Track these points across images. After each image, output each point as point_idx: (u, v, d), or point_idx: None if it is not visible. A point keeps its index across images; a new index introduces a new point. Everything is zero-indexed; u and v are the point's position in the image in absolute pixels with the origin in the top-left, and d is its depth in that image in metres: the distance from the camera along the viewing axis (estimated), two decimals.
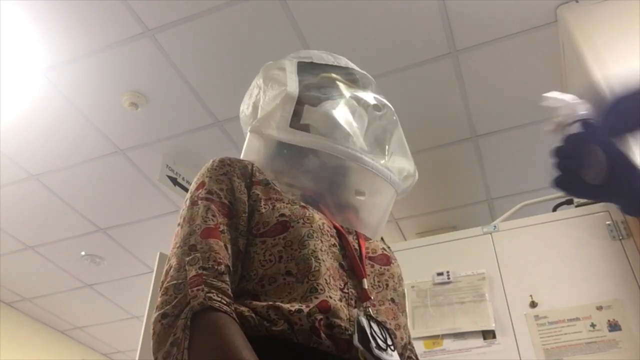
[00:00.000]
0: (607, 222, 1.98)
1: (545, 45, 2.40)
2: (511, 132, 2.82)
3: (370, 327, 0.80)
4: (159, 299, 0.75)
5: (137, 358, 2.34)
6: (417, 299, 2.09)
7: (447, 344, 1.95)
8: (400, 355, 0.86)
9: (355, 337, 0.77)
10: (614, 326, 1.79)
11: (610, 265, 1.90)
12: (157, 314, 0.73)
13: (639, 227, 1.85)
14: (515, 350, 1.85)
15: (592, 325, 1.81)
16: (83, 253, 3.66)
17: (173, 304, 0.72)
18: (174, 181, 2.87)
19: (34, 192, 3.14)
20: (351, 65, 1.18)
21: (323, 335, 0.75)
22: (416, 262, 2.19)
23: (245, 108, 1.16)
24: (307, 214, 0.87)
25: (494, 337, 1.90)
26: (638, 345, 1.72)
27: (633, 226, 1.89)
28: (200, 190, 0.88)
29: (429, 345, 1.96)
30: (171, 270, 0.78)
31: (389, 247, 1.05)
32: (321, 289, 0.79)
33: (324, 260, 0.83)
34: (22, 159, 2.93)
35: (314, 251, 0.82)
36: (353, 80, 1.13)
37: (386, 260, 0.98)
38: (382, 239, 1.07)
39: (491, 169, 3.06)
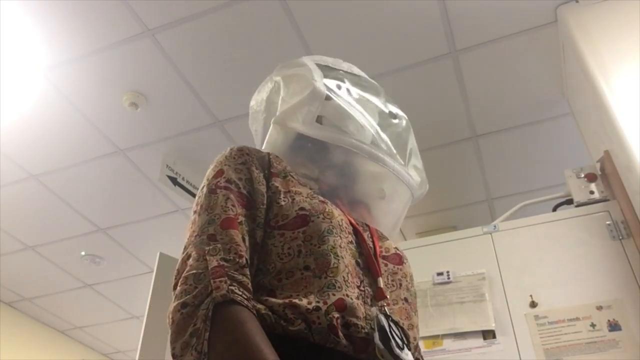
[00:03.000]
0: (607, 222, 1.98)
1: (545, 45, 2.40)
2: (511, 132, 2.83)
3: (390, 325, 0.80)
4: (178, 288, 0.74)
5: (137, 358, 2.35)
6: (417, 299, 2.08)
7: (447, 344, 1.95)
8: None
9: (376, 335, 0.76)
10: (614, 326, 1.78)
11: (610, 265, 1.90)
12: (176, 303, 0.72)
13: (639, 227, 1.84)
14: (515, 350, 1.85)
15: (592, 325, 1.81)
16: (83, 253, 3.66)
17: (194, 293, 0.71)
18: (174, 181, 2.87)
19: (34, 192, 3.14)
20: (363, 74, 1.21)
21: (340, 333, 0.74)
22: (416, 262, 2.13)
23: (254, 104, 1.17)
24: (326, 209, 0.87)
25: (494, 337, 1.90)
26: (638, 345, 1.72)
27: (633, 226, 1.89)
28: (219, 179, 0.86)
29: (428, 345, 1.95)
30: (190, 260, 0.76)
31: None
32: (339, 286, 0.78)
33: (342, 257, 0.82)
34: (22, 159, 2.93)
35: (334, 247, 0.82)
36: (363, 87, 1.15)
37: (399, 259, 0.99)
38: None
39: (491, 169, 3.06)
